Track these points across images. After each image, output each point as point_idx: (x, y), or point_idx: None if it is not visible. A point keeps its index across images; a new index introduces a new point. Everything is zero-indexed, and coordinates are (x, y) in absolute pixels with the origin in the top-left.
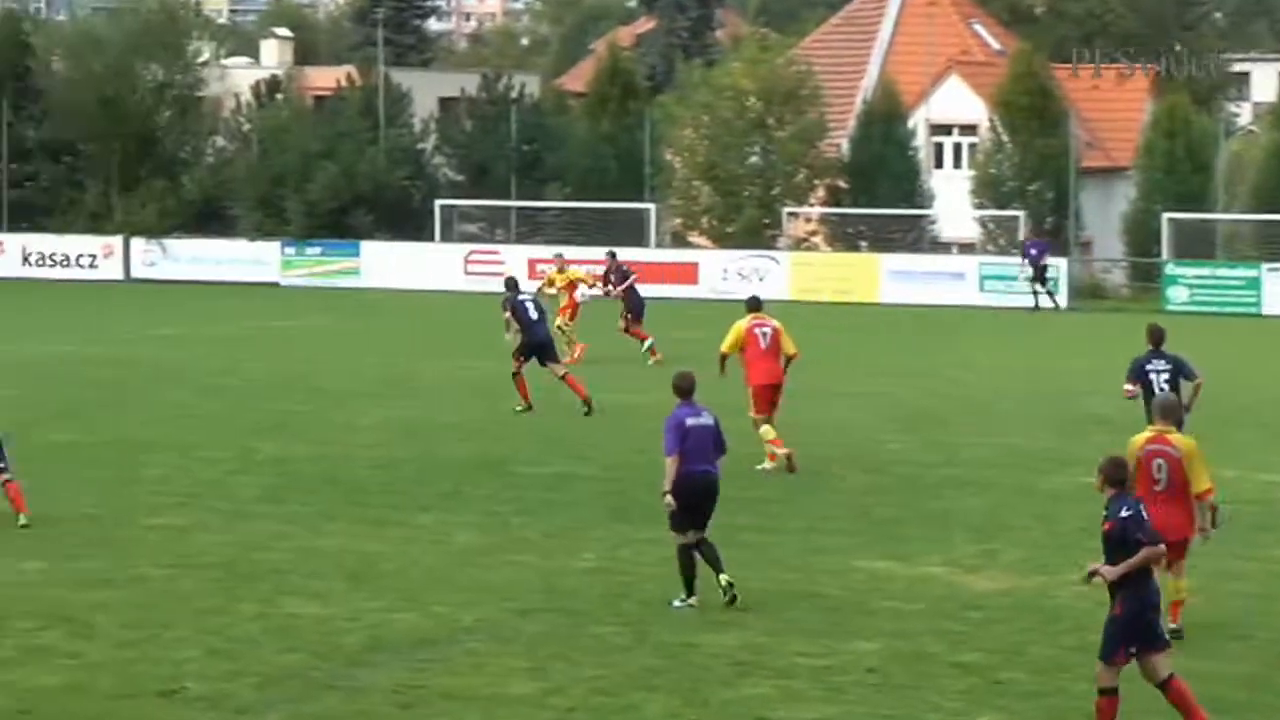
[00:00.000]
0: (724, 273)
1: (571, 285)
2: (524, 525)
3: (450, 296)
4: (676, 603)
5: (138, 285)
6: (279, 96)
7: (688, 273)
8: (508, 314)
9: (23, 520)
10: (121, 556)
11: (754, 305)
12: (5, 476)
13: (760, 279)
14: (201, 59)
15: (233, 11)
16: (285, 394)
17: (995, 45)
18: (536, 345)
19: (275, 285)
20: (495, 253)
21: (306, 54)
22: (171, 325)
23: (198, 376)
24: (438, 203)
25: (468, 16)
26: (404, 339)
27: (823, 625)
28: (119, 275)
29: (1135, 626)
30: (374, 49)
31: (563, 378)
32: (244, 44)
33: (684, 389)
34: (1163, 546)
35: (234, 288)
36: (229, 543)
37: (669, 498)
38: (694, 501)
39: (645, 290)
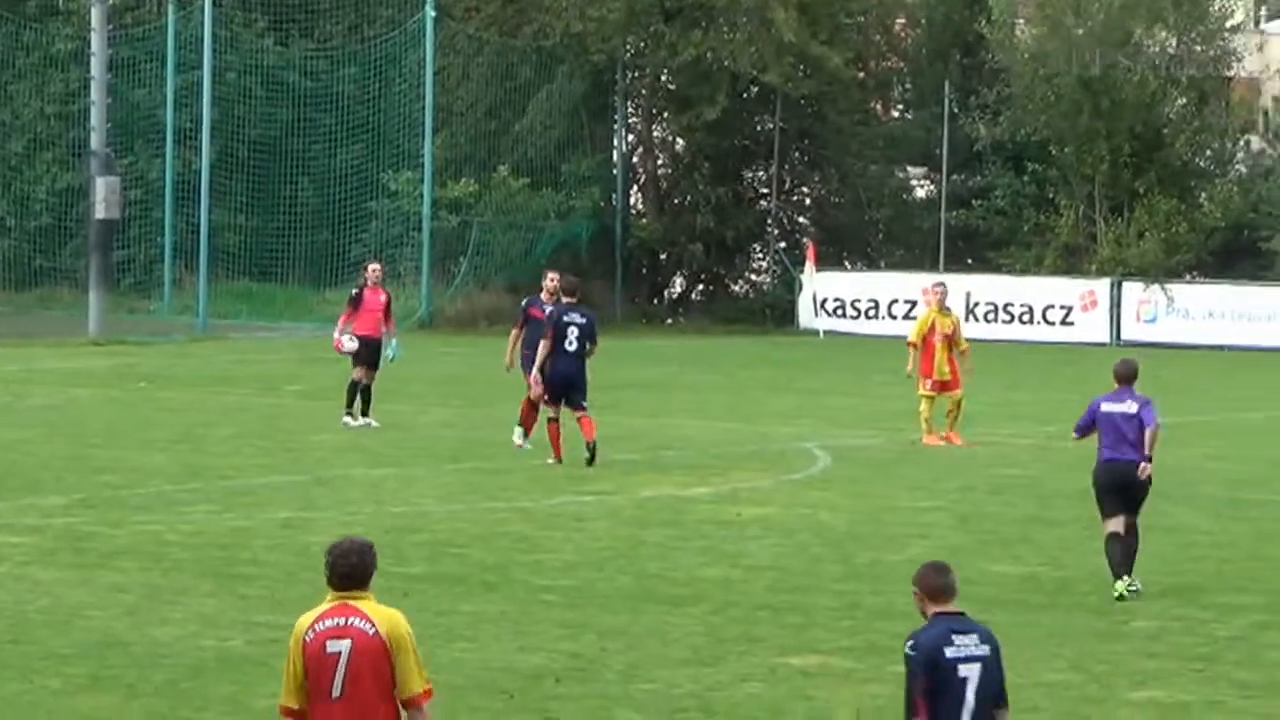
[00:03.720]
0: None
1: None
2: None
3: None
4: None
5: (1128, 350)
6: None
7: None
8: None
9: None
10: None
11: None
12: None
13: None
14: (1232, 21)
15: None
16: None
17: None
18: None
19: None
20: None
21: None
22: (1180, 412)
23: (1200, 482)
24: None
25: None
26: None
27: None
28: (1103, 336)
29: None
30: None
31: None
32: None
33: None
34: None
35: (1269, 356)
36: None
37: None
38: None
39: None
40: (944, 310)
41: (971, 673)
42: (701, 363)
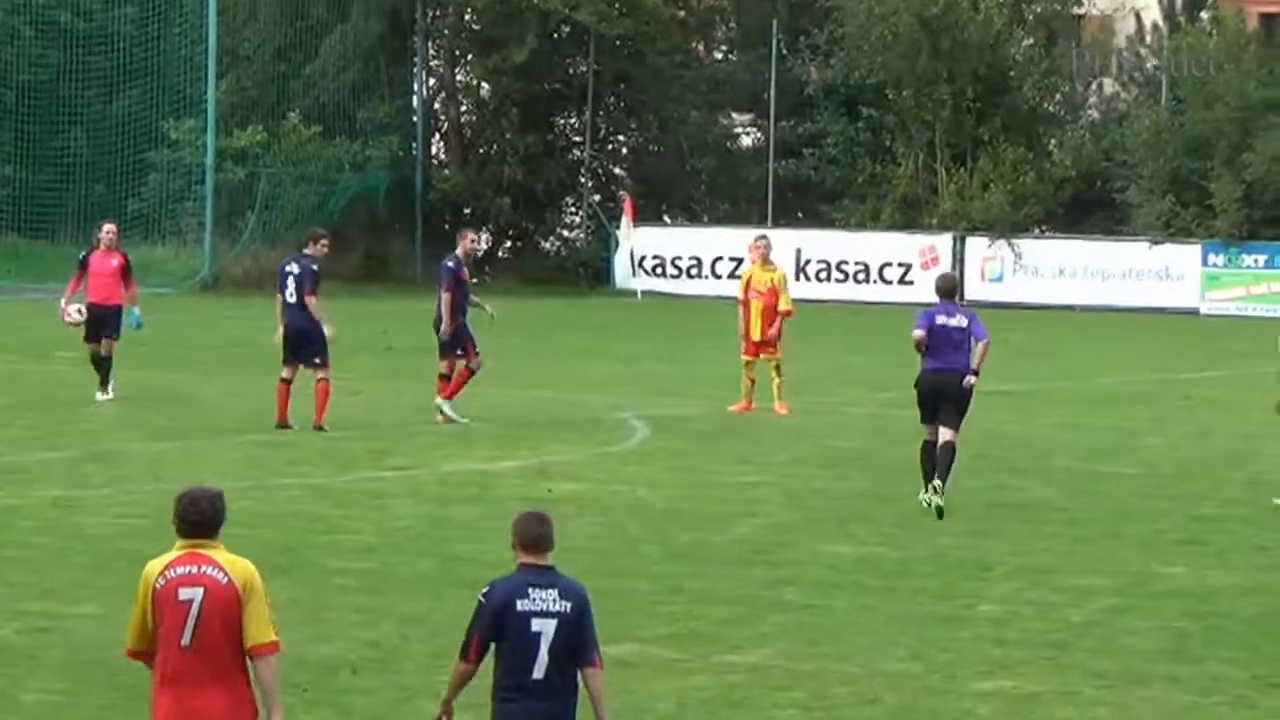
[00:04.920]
0: None
1: None
2: None
3: None
4: None
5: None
6: (1204, 16)
7: None
8: None
9: None
10: None
11: None
12: None
13: None
14: None
15: None
16: (1202, 489)
17: None
18: None
19: (1193, 314)
20: None
21: None
22: (1030, 378)
23: (1052, 454)
24: None
25: None
26: None
27: None
28: None
29: None
30: None
31: None
32: None
33: None
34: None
35: (1125, 317)
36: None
37: None
38: None
39: None
40: (766, 266)
41: (545, 628)
42: (509, 326)
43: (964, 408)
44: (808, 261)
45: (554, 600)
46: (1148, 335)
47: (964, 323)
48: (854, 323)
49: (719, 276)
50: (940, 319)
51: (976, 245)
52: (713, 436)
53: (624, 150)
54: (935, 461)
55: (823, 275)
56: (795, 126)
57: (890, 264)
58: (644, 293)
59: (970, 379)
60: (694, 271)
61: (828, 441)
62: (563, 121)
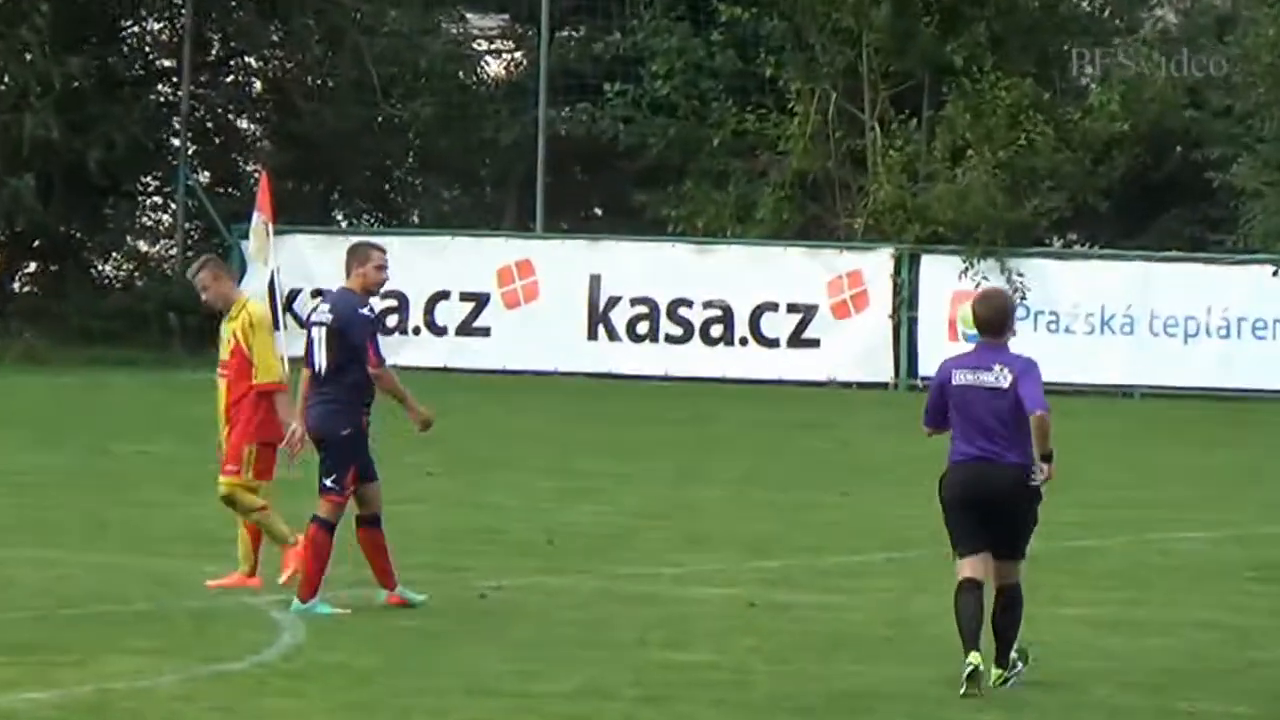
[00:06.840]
0: None
1: None
2: None
3: None
4: None
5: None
6: None
7: None
8: None
9: None
10: None
11: None
12: None
13: None
14: None
15: None
16: None
17: None
18: None
19: None
20: None
21: None
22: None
23: (1092, 681)
24: None
25: None
26: None
27: None
28: (881, 368)
29: None
30: None
31: None
32: None
33: None
34: None
35: (1228, 409)
36: None
37: None
38: None
39: None
40: (227, 306)
41: None
42: (37, 426)
43: (1025, 523)
44: (614, 302)
45: None
46: (1273, 445)
47: (1005, 380)
48: (707, 420)
49: (440, 331)
50: (961, 376)
51: (940, 270)
52: (430, 640)
53: (254, 84)
54: (978, 615)
55: (642, 329)
56: (588, 40)
57: (773, 307)
58: (293, 361)
59: (1043, 470)
60: (394, 320)
61: (652, 653)
62: (137, 29)
